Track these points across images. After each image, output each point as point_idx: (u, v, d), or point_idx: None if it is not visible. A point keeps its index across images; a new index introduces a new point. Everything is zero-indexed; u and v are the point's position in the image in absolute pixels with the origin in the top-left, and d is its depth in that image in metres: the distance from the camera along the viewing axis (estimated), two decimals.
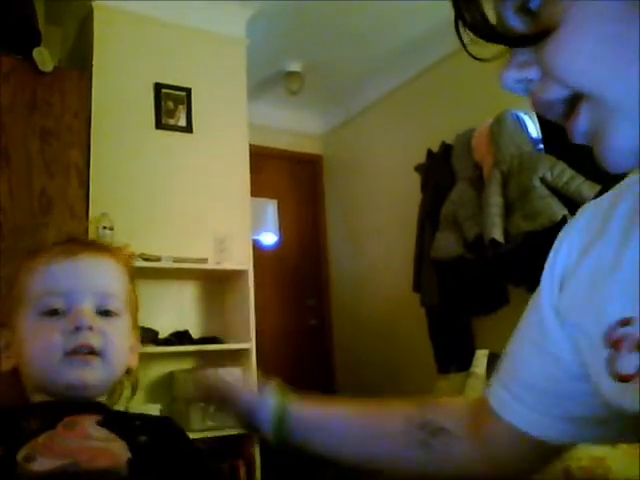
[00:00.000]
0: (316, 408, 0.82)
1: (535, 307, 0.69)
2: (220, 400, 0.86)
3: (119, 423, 0.75)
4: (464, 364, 2.90)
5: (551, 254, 0.67)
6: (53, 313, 0.78)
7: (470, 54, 0.52)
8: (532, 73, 0.49)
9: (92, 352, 0.78)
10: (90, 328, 0.78)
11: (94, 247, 0.87)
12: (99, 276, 0.84)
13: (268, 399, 0.81)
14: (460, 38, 0.49)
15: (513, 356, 0.71)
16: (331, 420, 0.80)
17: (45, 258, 0.82)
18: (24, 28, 2.84)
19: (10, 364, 0.81)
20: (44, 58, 2.70)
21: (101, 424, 0.73)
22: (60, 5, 3.26)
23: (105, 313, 0.82)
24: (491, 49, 0.50)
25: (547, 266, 0.67)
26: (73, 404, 0.76)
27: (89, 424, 0.72)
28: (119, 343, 0.83)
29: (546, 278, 0.67)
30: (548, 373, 0.64)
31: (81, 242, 0.89)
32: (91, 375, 0.78)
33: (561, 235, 0.68)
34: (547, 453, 0.68)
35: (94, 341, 0.78)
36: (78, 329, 0.77)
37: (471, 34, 0.48)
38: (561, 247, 0.66)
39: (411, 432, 0.73)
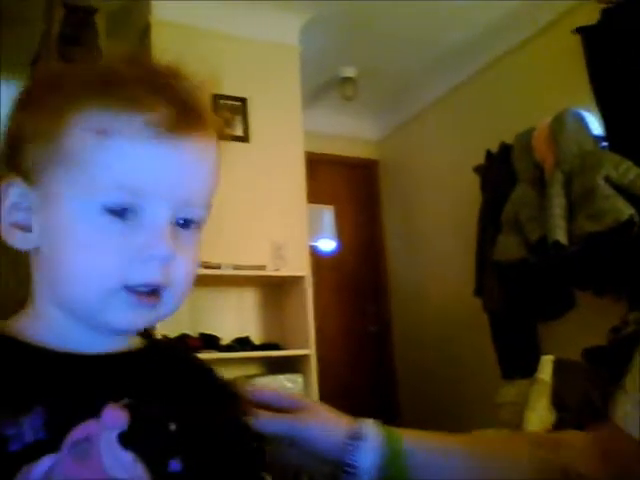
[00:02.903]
0: (429, 448, 0.68)
1: None
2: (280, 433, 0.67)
3: (149, 427, 0.52)
4: (529, 370, 2.83)
5: None
6: (120, 213, 0.52)
7: None
8: None
9: (155, 290, 0.54)
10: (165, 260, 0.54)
11: (201, 119, 0.56)
12: (198, 172, 0.57)
13: (369, 439, 0.64)
14: None
15: None
16: (449, 462, 0.67)
17: (131, 127, 0.52)
18: (87, 47, 2.95)
19: (28, 244, 0.55)
20: None
21: (126, 436, 0.49)
22: (120, 21, 3.37)
23: (184, 224, 0.57)
24: None
25: None
26: (97, 366, 0.54)
27: (107, 445, 0.48)
28: (191, 272, 0.57)
29: None
30: None
31: (183, 101, 0.55)
32: (143, 319, 0.55)
33: None
34: None
35: (164, 276, 0.54)
36: (149, 257, 0.53)
37: None
38: None
39: None
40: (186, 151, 0.54)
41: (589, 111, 3.08)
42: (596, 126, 3.06)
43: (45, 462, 0.47)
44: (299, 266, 3.23)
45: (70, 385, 0.52)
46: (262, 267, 3.10)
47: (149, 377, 0.57)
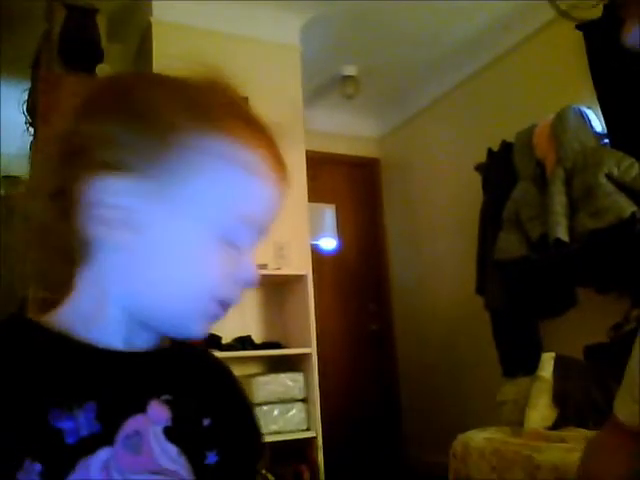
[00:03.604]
0: None
1: None
2: None
3: (187, 423, 0.57)
4: (531, 367, 2.83)
5: None
6: (231, 246, 0.57)
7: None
8: None
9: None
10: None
11: (284, 161, 0.63)
12: (280, 208, 0.63)
13: None
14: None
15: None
16: None
17: (248, 162, 0.57)
18: (88, 47, 2.96)
19: (111, 242, 0.55)
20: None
21: (170, 430, 0.55)
22: (121, 22, 3.37)
23: None
24: None
25: None
26: (138, 363, 0.58)
27: (155, 438, 0.54)
28: None
29: None
30: None
31: (275, 142, 0.63)
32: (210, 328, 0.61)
33: None
34: None
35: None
36: (242, 280, 0.58)
37: None
38: None
39: None
40: (281, 189, 0.60)
41: (591, 108, 3.07)
42: (598, 123, 3.05)
43: (101, 455, 0.51)
44: (300, 265, 3.23)
45: (117, 381, 0.55)
46: (263, 266, 3.10)
47: (180, 373, 0.61)
